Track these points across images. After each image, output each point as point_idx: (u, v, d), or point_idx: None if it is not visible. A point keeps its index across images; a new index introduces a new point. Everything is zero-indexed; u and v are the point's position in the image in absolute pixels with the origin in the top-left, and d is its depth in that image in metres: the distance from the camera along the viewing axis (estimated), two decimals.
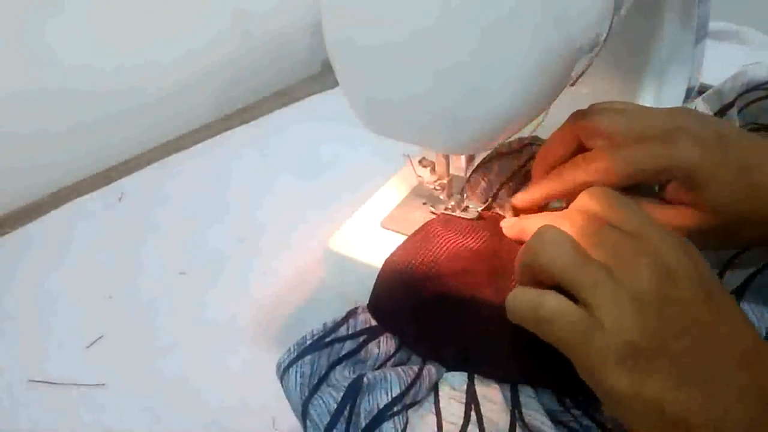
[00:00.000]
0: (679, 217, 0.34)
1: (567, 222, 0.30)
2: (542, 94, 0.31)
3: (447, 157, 0.40)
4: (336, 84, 0.34)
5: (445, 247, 0.37)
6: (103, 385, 0.44)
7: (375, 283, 0.36)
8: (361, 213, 0.42)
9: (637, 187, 0.35)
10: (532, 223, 0.35)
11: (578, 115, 0.37)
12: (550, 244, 0.29)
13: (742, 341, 0.27)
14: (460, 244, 0.38)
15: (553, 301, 0.28)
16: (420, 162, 0.43)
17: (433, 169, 0.42)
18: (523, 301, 0.29)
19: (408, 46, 0.29)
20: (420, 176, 0.42)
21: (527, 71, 0.30)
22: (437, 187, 0.41)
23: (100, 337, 0.47)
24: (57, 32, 0.64)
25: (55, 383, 0.44)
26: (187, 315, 0.49)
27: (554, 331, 0.28)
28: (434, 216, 0.41)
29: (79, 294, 0.52)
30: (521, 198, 0.39)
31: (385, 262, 0.37)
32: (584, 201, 0.31)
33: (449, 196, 0.41)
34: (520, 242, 0.36)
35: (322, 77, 0.89)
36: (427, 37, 0.29)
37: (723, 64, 0.52)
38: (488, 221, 0.40)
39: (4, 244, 0.59)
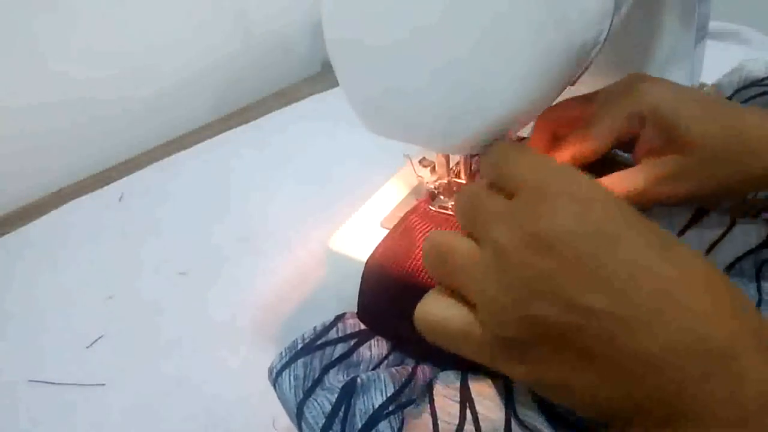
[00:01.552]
0: (657, 167, 0.34)
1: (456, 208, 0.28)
2: (542, 93, 0.31)
3: (447, 157, 0.40)
4: (336, 84, 0.34)
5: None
6: (103, 385, 0.44)
7: (359, 286, 0.36)
8: (361, 213, 0.42)
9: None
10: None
11: (551, 109, 0.37)
12: (427, 251, 0.28)
13: (643, 296, 0.22)
14: None
15: (439, 310, 0.27)
16: (420, 162, 0.43)
17: (433, 169, 0.42)
18: (420, 310, 0.28)
19: (408, 46, 0.29)
20: (420, 176, 0.42)
21: (527, 71, 0.30)
22: (437, 187, 0.41)
23: (100, 337, 0.47)
24: (57, 32, 0.64)
25: (55, 383, 0.44)
26: (187, 315, 0.49)
27: (436, 337, 0.27)
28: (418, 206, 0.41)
29: (79, 294, 0.52)
30: None
31: (366, 263, 0.37)
32: (483, 161, 0.29)
33: (449, 196, 0.41)
34: None
35: (322, 77, 0.90)
36: (427, 36, 0.29)
37: (723, 64, 0.52)
38: None
39: (4, 244, 0.59)
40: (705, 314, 0.22)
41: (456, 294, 0.27)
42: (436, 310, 0.27)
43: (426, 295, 0.28)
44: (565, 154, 0.36)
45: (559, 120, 0.38)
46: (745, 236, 0.38)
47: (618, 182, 0.35)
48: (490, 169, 0.28)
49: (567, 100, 0.38)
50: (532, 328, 0.23)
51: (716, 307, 0.22)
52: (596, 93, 0.38)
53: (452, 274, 0.26)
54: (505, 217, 0.24)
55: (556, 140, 0.38)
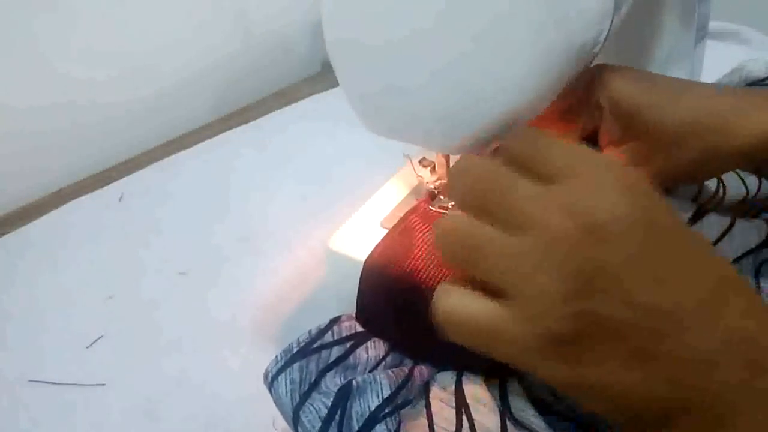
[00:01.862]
0: (616, 155, 0.35)
1: (462, 187, 0.25)
2: (542, 93, 0.31)
3: (447, 157, 0.40)
4: (336, 84, 0.34)
5: (423, 242, 0.37)
6: (103, 385, 0.44)
7: (358, 287, 0.36)
8: (361, 213, 0.42)
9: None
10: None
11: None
12: (443, 239, 0.24)
13: (697, 293, 0.22)
14: None
15: (465, 306, 0.24)
16: (420, 162, 0.43)
17: (433, 169, 0.42)
18: (440, 305, 0.24)
19: (408, 46, 0.29)
20: (420, 176, 0.42)
21: (527, 71, 0.29)
22: (437, 188, 0.41)
23: (100, 337, 0.47)
24: (57, 32, 0.64)
25: (55, 383, 0.44)
26: (187, 315, 0.49)
27: (464, 337, 0.24)
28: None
29: (79, 294, 0.52)
30: None
31: (365, 263, 0.37)
32: (503, 145, 0.26)
33: (449, 196, 0.41)
34: None
35: (322, 77, 0.89)
36: (427, 36, 0.29)
37: (723, 64, 0.52)
38: None
39: (4, 244, 0.59)
40: (748, 313, 0.22)
41: (477, 285, 0.24)
42: (462, 306, 0.24)
43: (444, 289, 0.25)
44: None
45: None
46: (744, 236, 0.38)
47: None
48: (518, 153, 0.25)
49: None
50: (587, 324, 0.21)
51: (752, 306, 0.22)
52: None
53: (480, 263, 0.23)
54: (550, 203, 0.22)
55: None
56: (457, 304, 0.24)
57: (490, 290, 0.23)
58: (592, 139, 0.37)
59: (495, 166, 0.24)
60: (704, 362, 0.21)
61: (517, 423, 0.31)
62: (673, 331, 0.21)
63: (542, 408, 0.31)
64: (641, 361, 0.21)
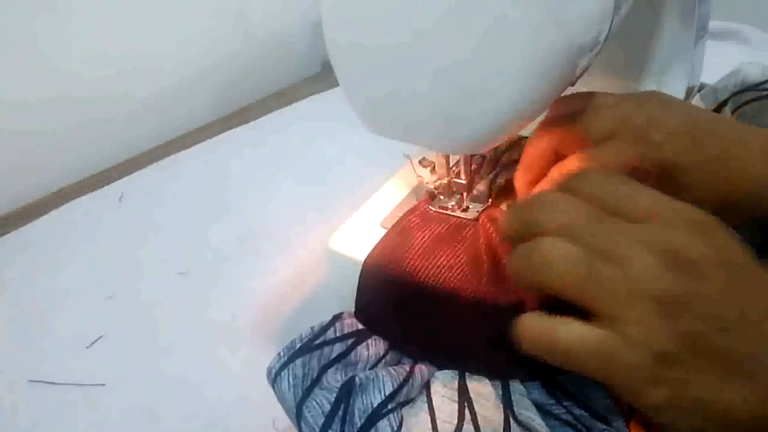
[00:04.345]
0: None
1: (561, 217, 0.26)
2: (542, 94, 0.31)
3: (447, 157, 0.40)
4: (336, 84, 0.34)
5: (422, 242, 0.37)
6: (103, 385, 0.44)
7: (357, 286, 0.36)
8: (361, 213, 0.42)
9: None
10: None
11: (551, 122, 0.36)
12: (551, 261, 0.25)
13: None
14: (438, 237, 0.37)
15: (570, 332, 0.25)
16: (420, 162, 0.43)
17: (433, 169, 0.42)
18: (536, 332, 0.25)
19: (409, 46, 0.29)
20: (420, 176, 0.42)
21: (527, 71, 0.30)
22: (437, 188, 0.41)
23: (100, 337, 0.47)
24: (57, 32, 0.64)
25: (55, 383, 0.44)
26: (187, 315, 0.49)
27: (577, 362, 0.25)
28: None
29: (79, 294, 0.52)
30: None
31: (364, 263, 0.37)
32: (576, 185, 0.27)
33: (449, 196, 0.41)
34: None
35: (322, 77, 0.89)
36: (428, 36, 0.29)
37: (723, 64, 0.52)
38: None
39: (4, 244, 0.59)
40: None
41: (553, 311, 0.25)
42: (575, 336, 0.24)
43: (537, 318, 0.26)
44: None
45: (561, 137, 0.36)
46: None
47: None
48: (603, 197, 0.27)
49: (563, 105, 0.37)
50: (689, 343, 0.24)
51: None
52: (596, 99, 0.36)
53: (586, 289, 0.25)
54: (642, 238, 0.25)
55: (557, 156, 0.36)
56: (576, 335, 0.25)
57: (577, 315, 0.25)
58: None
59: (584, 207, 0.26)
60: None
61: (519, 423, 0.31)
62: (761, 352, 0.24)
63: (543, 411, 0.32)
64: (738, 376, 0.24)
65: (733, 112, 0.46)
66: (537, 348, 0.26)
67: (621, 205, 0.26)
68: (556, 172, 0.34)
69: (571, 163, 0.33)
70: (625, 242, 0.25)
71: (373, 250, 0.37)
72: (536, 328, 0.25)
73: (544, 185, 0.35)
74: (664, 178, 0.33)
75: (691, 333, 0.24)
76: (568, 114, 0.35)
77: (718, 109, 0.47)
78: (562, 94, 0.35)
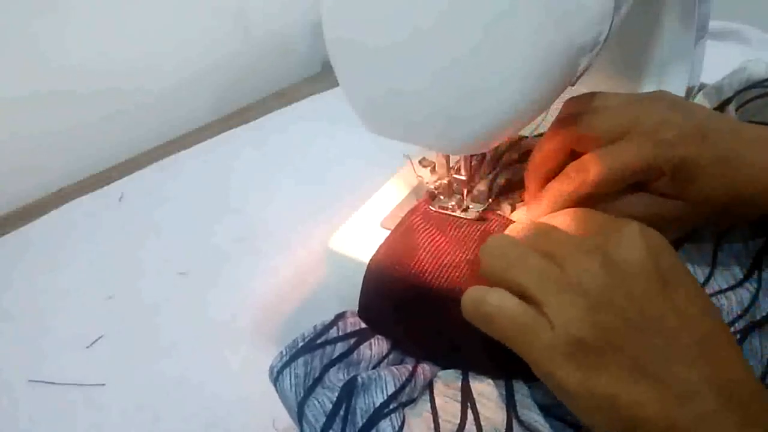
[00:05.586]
0: (665, 207, 0.35)
1: (520, 228, 0.33)
2: (542, 94, 0.31)
3: (447, 157, 0.40)
4: (336, 84, 0.34)
5: (426, 242, 0.37)
6: (103, 385, 0.44)
7: (362, 287, 0.36)
8: (361, 213, 0.42)
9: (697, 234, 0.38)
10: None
11: (564, 121, 0.36)
12: (491, 251, 0.30)
13: (697, 331, 0.26)
14: (442, 238, 0.37)
15: (494, 297, 0.28)
16: (420, 162, 0.43)
17: (433, 169, 0.42)
18: (468, 298, 0.29)
19: (408, 46, 0.29)
20: (420, 176, 0.42)
21: (527, 71, 0.30)
22: (437, 188, 0.41)
23: (100, 337, 0.47)
24: (57, 32, 0.64)
25: (55, 383, 0.44)
26: (187, 315, 0.49)
27: (496, 327, 0.28)
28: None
29: (79, 294, 0.52)
30: (520, 218, 0.39)
31: (369, 264, 0.37)
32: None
33: (449, 196, 0.41)
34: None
35: (322, 77, 0.89)
36: (428, 36, 0.29)
37: (723, 64, 0.52)
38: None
39: (4, 244, 0.59)
40: (731, 363, 0.26)
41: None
42: (502, 303, 0.28)
43: (482, 288, 0.29)
44: (574, 193, 0.35)
45: (574, 136, 0.36)
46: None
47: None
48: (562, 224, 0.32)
49: (576, 104, 0.37)
50: (604, 333, 0.26)
51: (736, 360, 0.26)
52: (608, 99, 0.36)
53: (523, 275, 0.28)
54: (583, 246, 0.29)
55: (571, 154, 0.36)
56: (499, 301, 0.28)
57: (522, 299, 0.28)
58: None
59: (545, 227, 0.32)
60: (688, 393, 0.25)
61: (521, 423, 0.31)
62: (672, 357, 0.25)
63: (546, 412, 0.32)
64: (648, 378, 0.25)
65: (737, 110, 0.46)
66: (470, 314, 0.29)
67: (573, 229, 0.31)
68: (572, 170, 0.35)
69: (589, 160, 0.34)
70: (565, 247, 0.29)
71: (378, 251, 0.37)
72: (472, 296, 0.29)
73: (550, 206, 0.36)
74: (676, 177, 0.33)
75: (609, 328, 0.26)
76: (581, 113, 0.36)
77: (722, 106, 0.47)
78: (563, 95, 0.35)
